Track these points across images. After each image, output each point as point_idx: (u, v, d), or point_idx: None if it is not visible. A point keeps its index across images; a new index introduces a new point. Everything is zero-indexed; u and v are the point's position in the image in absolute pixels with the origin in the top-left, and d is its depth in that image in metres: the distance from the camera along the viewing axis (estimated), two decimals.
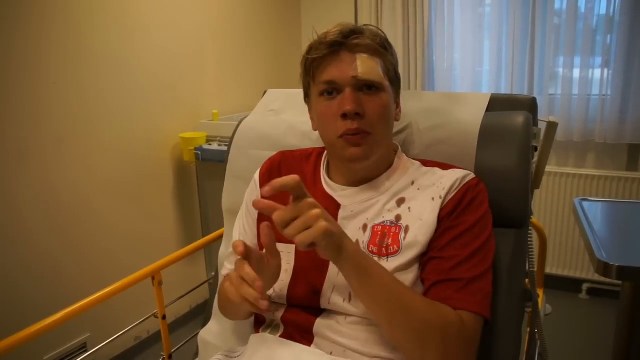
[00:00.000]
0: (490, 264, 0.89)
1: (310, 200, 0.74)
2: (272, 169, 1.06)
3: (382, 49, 0.91)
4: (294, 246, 0.95)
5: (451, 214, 0.88)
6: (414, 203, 0.91)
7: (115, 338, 1.21)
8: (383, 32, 0.94)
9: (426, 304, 0.82)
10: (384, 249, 0.88)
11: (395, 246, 0.88)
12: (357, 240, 0.91)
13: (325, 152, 1.04)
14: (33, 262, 1.81)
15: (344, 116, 0.88)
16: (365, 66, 0.88)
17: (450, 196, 0.90)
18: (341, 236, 0.77)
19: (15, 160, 1.73)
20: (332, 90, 0.90)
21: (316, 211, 0.73)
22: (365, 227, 0.92)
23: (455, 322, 0.81)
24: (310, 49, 0.92)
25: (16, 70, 1.71)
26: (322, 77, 0.91)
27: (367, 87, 0.89)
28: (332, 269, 0.91)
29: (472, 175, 0.94)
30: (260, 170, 1.08)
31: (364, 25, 0.93)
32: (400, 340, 0.81)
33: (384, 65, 0.91)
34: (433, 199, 0.90)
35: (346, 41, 0.89)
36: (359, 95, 0.89)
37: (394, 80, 0.95)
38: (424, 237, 0.87)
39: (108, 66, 2.01)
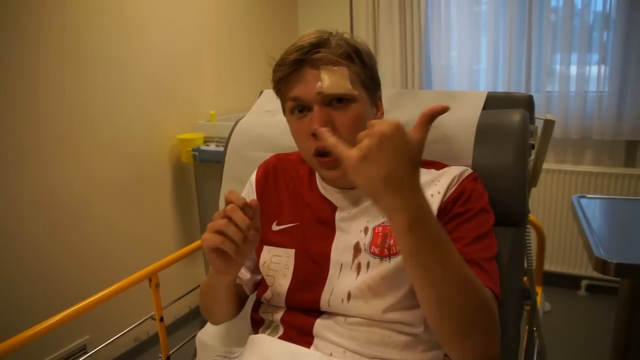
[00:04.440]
0: (496, 250, 0.88)
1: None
2: (267, 173, 1.06)
3: (345, 59, 0.87)
4: (293, 250, 0.95)
5: (454, 203, 0.88)
6: None
7: (114, 340, 1.21)
8: (351, 40, 0.90)
9: (482, 287, 0.75)
10: (385, 250, 0.88)
11: (397, 246, 0.87)
12: (358, 242, 0.90)
13: None
14: (31, 263, 1.80)
15: (314, 135, 0.85)
16: (329, 80, 0.84)
17: (450, 191, 0.89)
18: (403, 180, 0.65)
19: (13, 161, 1.73)
20: (302, 107, 0.88)
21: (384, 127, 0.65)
22: (366, 229, 0.91)
23: (494, 304, 0.78)
24: (274, 70, 0.90)
25: (14, 72, 1.71)
26: (289, 94, 0.89)
27: (336, 100, 0.86)
28: (333, 272, 0.91)
29: (470, 170, 0.94)
30: (257, 174, 1.07)
31: (333, 33, 0.89)
32: (446, 322, 0.73)
33: (351, 74, 0.87)
34: (432, 195, 0.90)
35: (307, 57, 0.86)
36: (327, 110, 0.86)
37: (369, 85, 0.91)
38: None
39: (105, 68, 2.01)
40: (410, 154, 0.66)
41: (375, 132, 0.64)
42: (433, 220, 0.69)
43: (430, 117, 0.69)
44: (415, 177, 0.67)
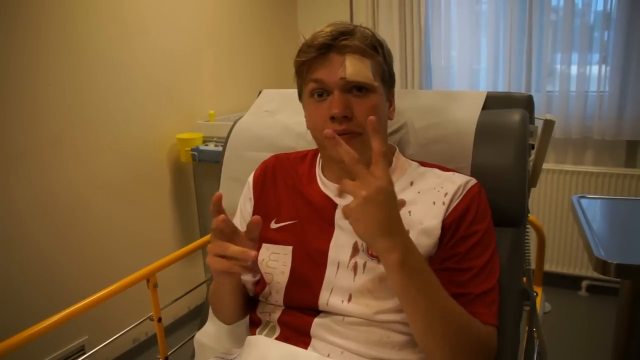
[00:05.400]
0: (498, 269, 0.89)
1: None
2: (266, 173, 1.06)
3: (371, 50, 0.90)
4: (291, 248, 0.95)
5: (460, 221, 0.88)
6: (414, 207, 0.90)
7: (112, 340, 1.21)
8: (375, 33, 0.93)
9: (464, 314, 0.81)
10: None
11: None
12: (356, 242, 0.90)
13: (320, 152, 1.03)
14: (31, 263, 1.80)
15: (332, 119, 0.87)
16: (353, 67, 0.87)
17: (455, 203, 0.89)
18: (394, 224, 0.73)
19: (12, 161, 1.73)
20: (322, 91, 0.90)
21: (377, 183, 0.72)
22: None
23: (484, 336, 0.83)
24: (300, 51, 0.91)
25: (14, 72, 1.71)
26: (311, 76, 0.91)
27: (357, 88, 0.88)
28: (330, 270, 0.90)
29: (474, 181, 0.93)
30: (254, 174, 1.07)
31: (357, 25, 0.92)
32: (432, 348, 0.80)
33: (374, 66, 0.90)
34: (434, 203, 0.89)
35: (335, 43, 0.88)
36: (348, 97, 0.88)
37: (387, 80, 0.94)
38: (425, 242, 0.87)
39: (105, 67, 2.01)
40: (395, 198, 0.74)
41: (371, 185, 0.71)
42: (419, 258, 0.77)
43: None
44: (400, 219, 0.75)
